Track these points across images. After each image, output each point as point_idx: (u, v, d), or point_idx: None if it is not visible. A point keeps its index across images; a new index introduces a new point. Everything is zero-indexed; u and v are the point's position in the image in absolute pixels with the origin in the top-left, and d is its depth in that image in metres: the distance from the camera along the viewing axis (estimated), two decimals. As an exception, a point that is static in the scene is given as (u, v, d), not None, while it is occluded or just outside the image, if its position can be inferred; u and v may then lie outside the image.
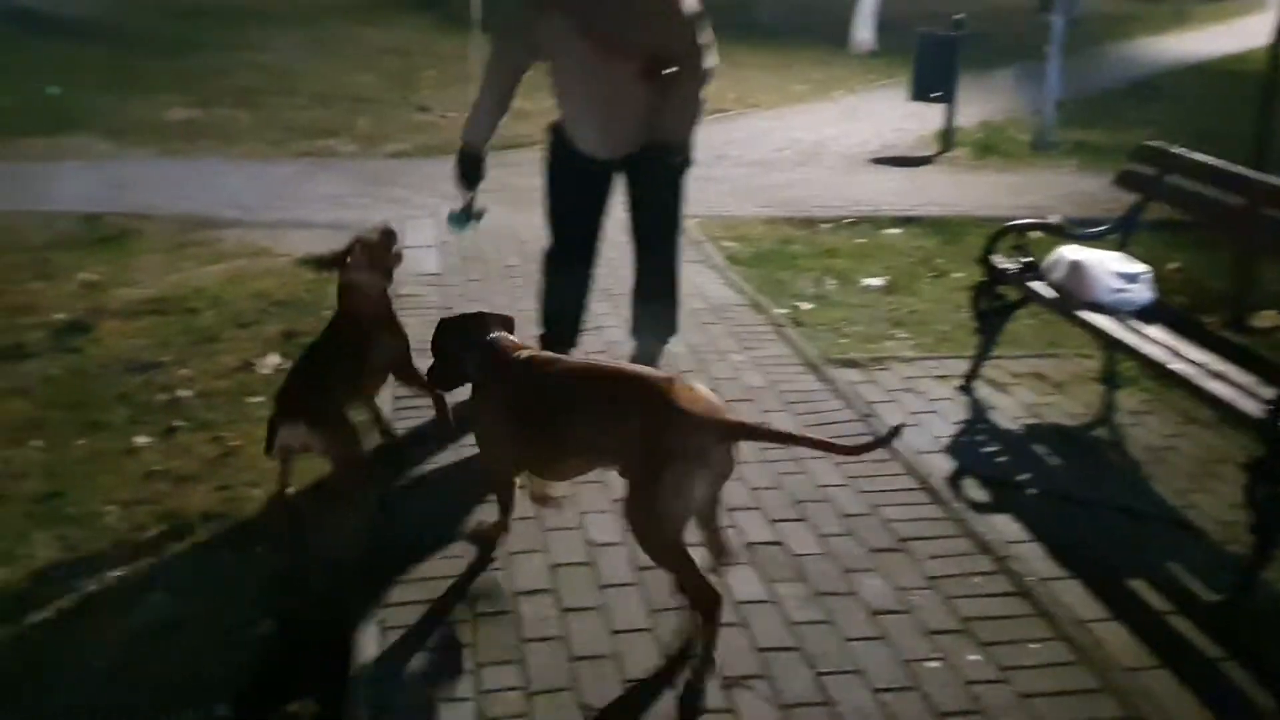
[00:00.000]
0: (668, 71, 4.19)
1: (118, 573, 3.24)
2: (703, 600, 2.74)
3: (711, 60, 4.26)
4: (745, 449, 3.89)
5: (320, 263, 3.90)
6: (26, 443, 4.02)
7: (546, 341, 4.48)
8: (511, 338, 3.19)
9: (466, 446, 3.90)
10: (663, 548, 2.74)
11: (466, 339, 3.18)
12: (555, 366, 3.08)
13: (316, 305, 5.42)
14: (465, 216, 4.58)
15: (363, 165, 9.00)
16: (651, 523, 2.72)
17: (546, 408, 2.96)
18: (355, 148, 9.72)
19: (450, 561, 3.25)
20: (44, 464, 3.87)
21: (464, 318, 3.30)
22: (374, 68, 14.74)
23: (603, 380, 2.99)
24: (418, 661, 2.82)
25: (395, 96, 12.43)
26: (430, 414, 3.88)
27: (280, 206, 7.46)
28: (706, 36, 4.22)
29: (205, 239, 6.62)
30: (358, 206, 7.44)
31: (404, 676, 2.77)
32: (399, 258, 3.95)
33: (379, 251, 3.82)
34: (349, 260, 3.73)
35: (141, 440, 4.07)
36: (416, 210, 7.40)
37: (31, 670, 2.85)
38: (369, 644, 2.87)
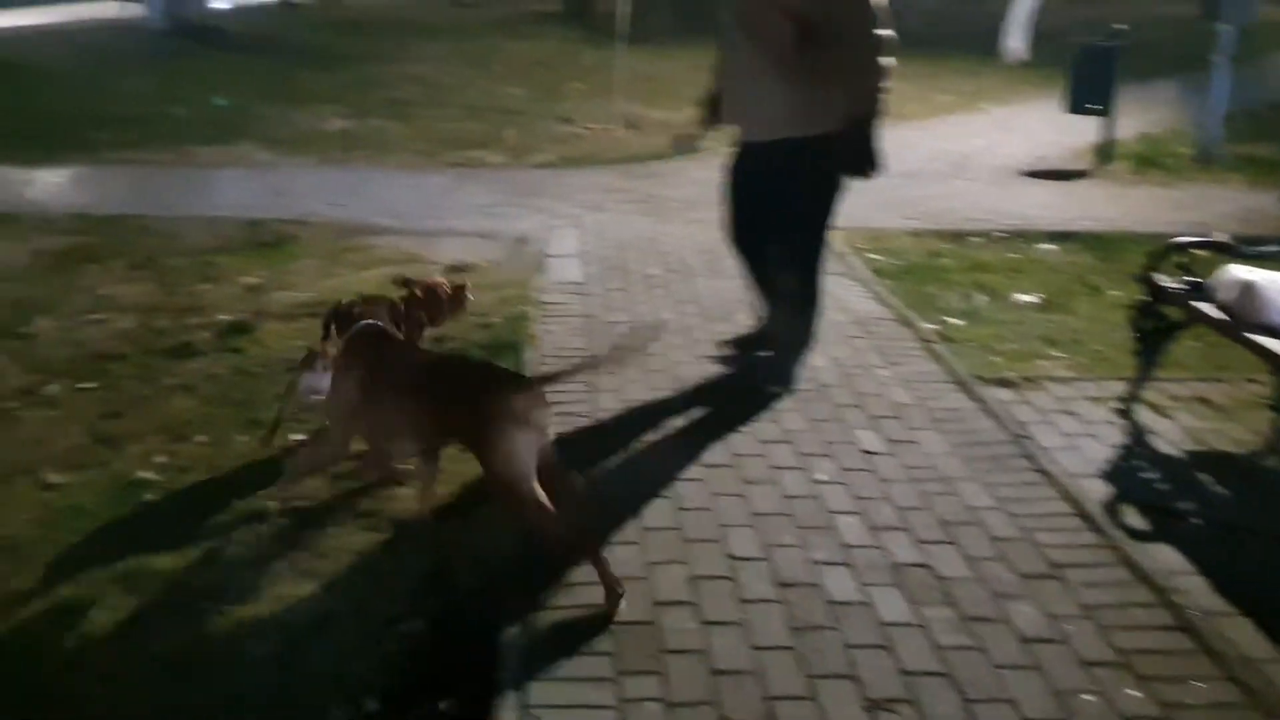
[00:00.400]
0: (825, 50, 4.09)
1: (275, 565, 3.35)
2: (574, 541, 3.08)
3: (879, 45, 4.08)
4: (888, 468, 3.86)
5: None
6: (192, 437, 4.20)
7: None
8: (379, 324, 3.49)
9: (616, 447, 3.95)
10: (519, 503, 2.99)
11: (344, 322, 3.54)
12: (410, 354, 3.44)
13: (464, 311, 5.53)
14: None
15: (510, 175, 9.16)
16: (502, 486, 3.01)
17: (399, 390, 3.28)
18: (503, 158, 9.90)
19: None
20: (208, 459, 4.03)
21: (350, 304, 3.60)
22: (522, 80, 15.01)
23: (448, 369, 3.41)
24: (561, 666, 2.85)
25: (541, 109, 12.62)
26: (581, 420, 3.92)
27: (431, 215, 7.65)
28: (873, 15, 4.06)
29: (360, 245, 6.82)
30: (504, 216, 7.57)
31: (547, 680, 2.79)
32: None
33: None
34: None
35: (297, 438, 4.20)
36: (560, 220, 7.49)
37: (195, 656, 2.97)
38: (514, 645, 2.91)
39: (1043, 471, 3.85)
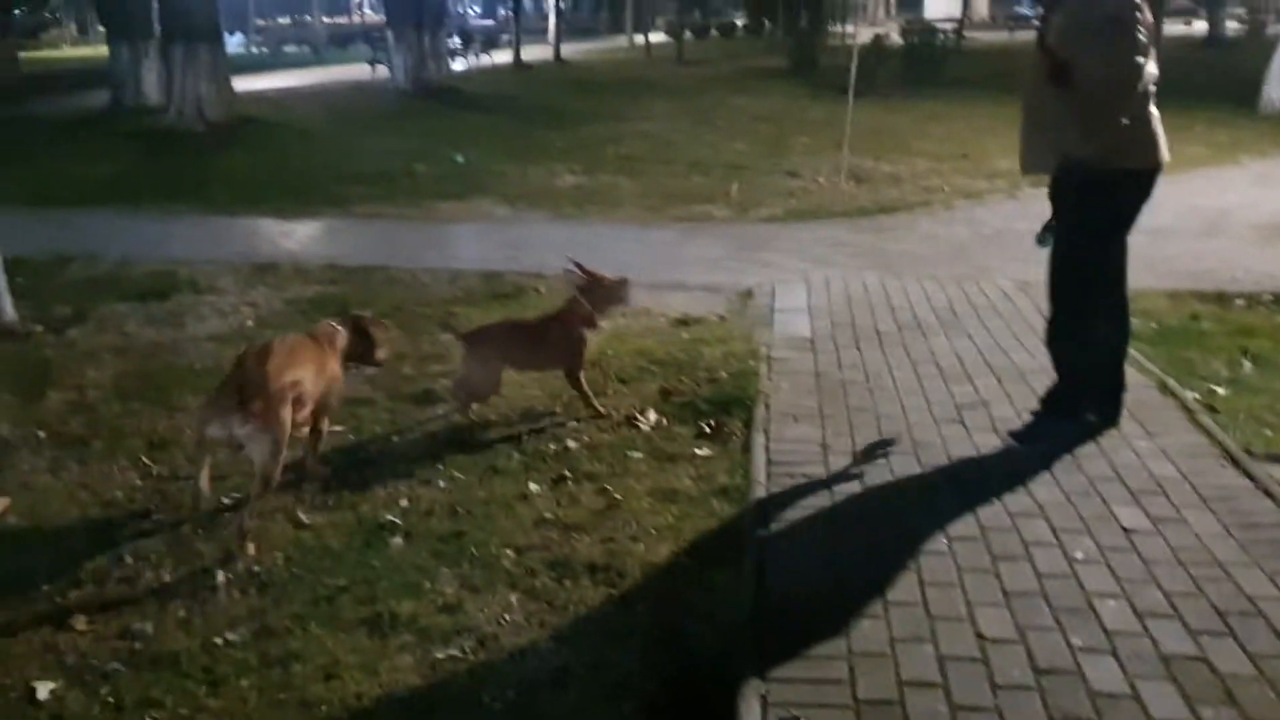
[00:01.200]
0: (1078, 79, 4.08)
1: (512, 616, 3.37)
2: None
3: (1125, 70, 4.01)
4: (1152, 548, 3.57)
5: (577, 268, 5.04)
6: (435, 483, 4.32)
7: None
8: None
9: (851, 512, 3.82)
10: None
11: None
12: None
13: (693, 365, 5.54)
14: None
15: (735, 229, 9.19)
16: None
17: None
18: (728, 213, 9.94)
19: (832, 631, 3.16)
20: (448, 504, 4.12)
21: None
22: (748, 135, 15.12)
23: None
24: (800, 741, 2.73)
25: (767, 163, 12.66)
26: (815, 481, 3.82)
27: (659, 269, 7.72)
28: (1125, 43, 4.00)
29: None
30: (730, 270, 7.57)
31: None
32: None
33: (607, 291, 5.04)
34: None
35: (534, 488, 4.26)
36: (787, 274, 7.42)
37: (436, 702, 3.01)
38: (750, 716, 2.81)
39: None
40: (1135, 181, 4.26)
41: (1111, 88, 4.02)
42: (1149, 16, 4.04)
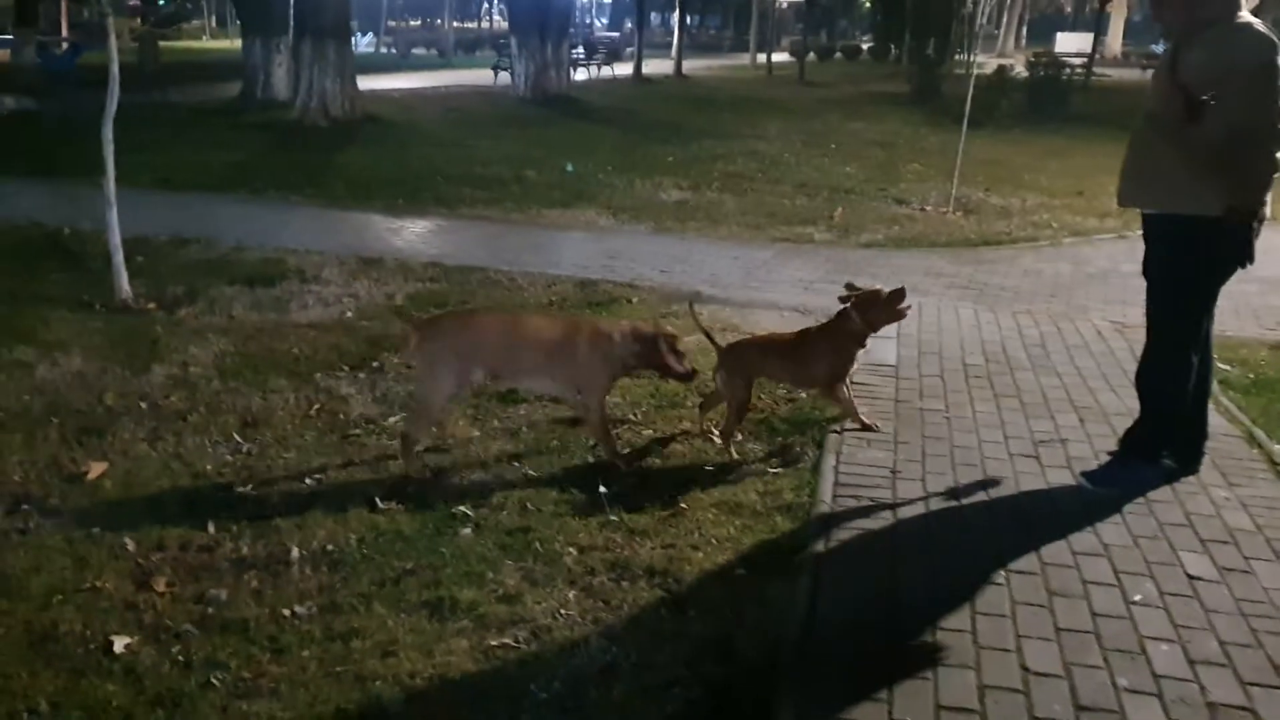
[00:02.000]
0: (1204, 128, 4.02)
1: (567, 611, 3.47)
2: None
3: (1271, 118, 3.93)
4: (1215, 597, 3.51)
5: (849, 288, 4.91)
6: (509, 479, 4.44)
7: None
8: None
9: (915, 539, 3.84)
10: None
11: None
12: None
13: (771, 383, 5.56)
14: None
15: (835, 253, 9.18)
16: None
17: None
18: (830, 236, 9.94)
19: (878, 652, 3.19)
20: (520, 501, 4.24)
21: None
22: (859, 159, 15.08)
23: None
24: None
25: (875, 188, 12.61)
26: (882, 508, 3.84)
27: (753, 287, 7.77)
28: (1272, 91, 3.92)
29: (682, 311, 7.00)
30: (823, 292, 7.57)
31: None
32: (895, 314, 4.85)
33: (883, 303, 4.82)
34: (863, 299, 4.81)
35: (604, 490, 4.35)
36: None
37: (487, 687, 3.11)
38: (786, 727, 2.85)
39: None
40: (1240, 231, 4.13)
41: (1258, 135, 3.93)
42: None
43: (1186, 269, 4.21)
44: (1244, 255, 4.13)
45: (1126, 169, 4.40)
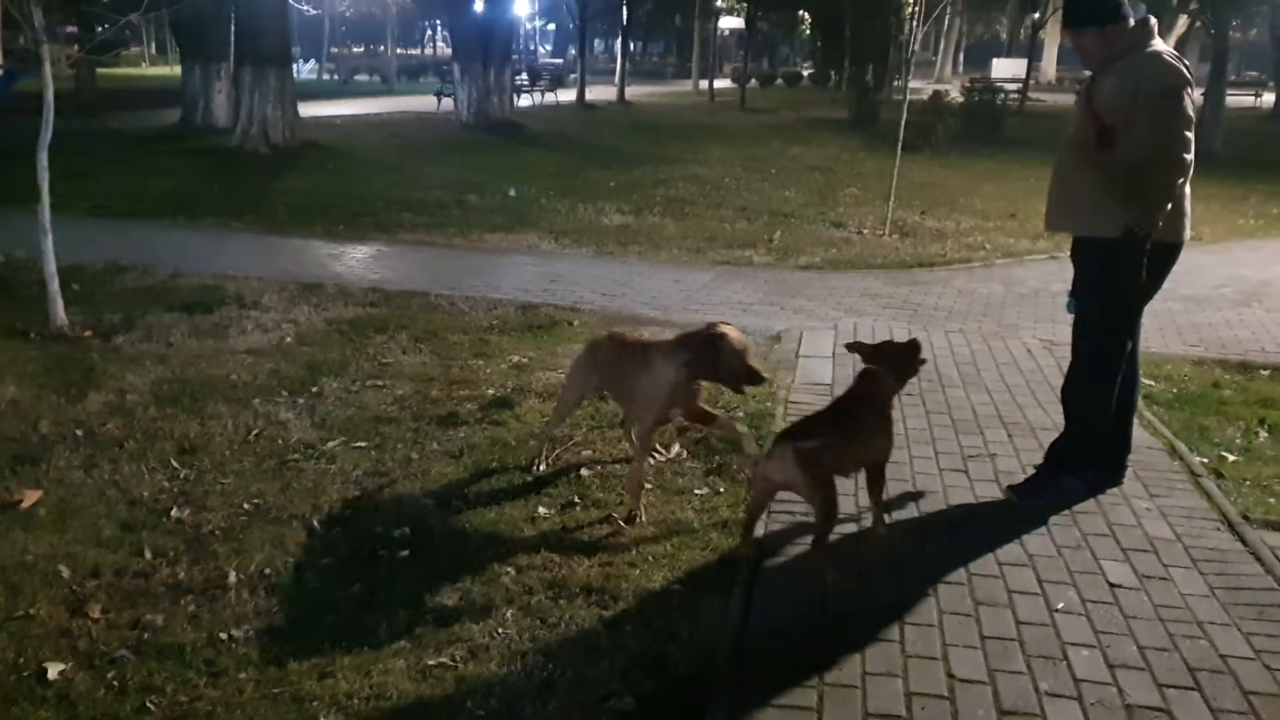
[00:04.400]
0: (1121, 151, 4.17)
1: (504, 630, 3.50)
2: None
3: (1175, 144, 4.08)
4: (1134, 604, 3.62)
5: (858, 348, 4.26)
6: (449, 501, 4.47)
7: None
8: None
9: (844, 553, 3.92)
10: None
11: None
12: None
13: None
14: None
15: (774, 275, 9.31)
16: None
17: None
18: (769, 259, 10.08)
19: (808, 662, 3.26)
20: (458, 522, 4.27)
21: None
22: (798, 184, 15.28)
23: None
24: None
25: (813, 212, 12.79)
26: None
27: (693, 309, 7.86)
28: (1178, 118, 4.08)
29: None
30: (762, 314, 7.69)
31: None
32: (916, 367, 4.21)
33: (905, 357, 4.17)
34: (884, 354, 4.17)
35: (542, 511, 4.39)
36: (816, 321, 7.53)
37: (422, 708, 3.12)
38: (717, 737, 2.91)
39: (1307, 624, 3.53)
40: (1160, 255, 4.26)
41: (1159, 160, 4.08)
42: (1196, 95, 4.14)
43: (1106, 289, 4.33)
44: (1141, 276, 4.22)
45: (1051, 194, 4.56)
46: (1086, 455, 4.64)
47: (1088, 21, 4.32)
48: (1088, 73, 4.59)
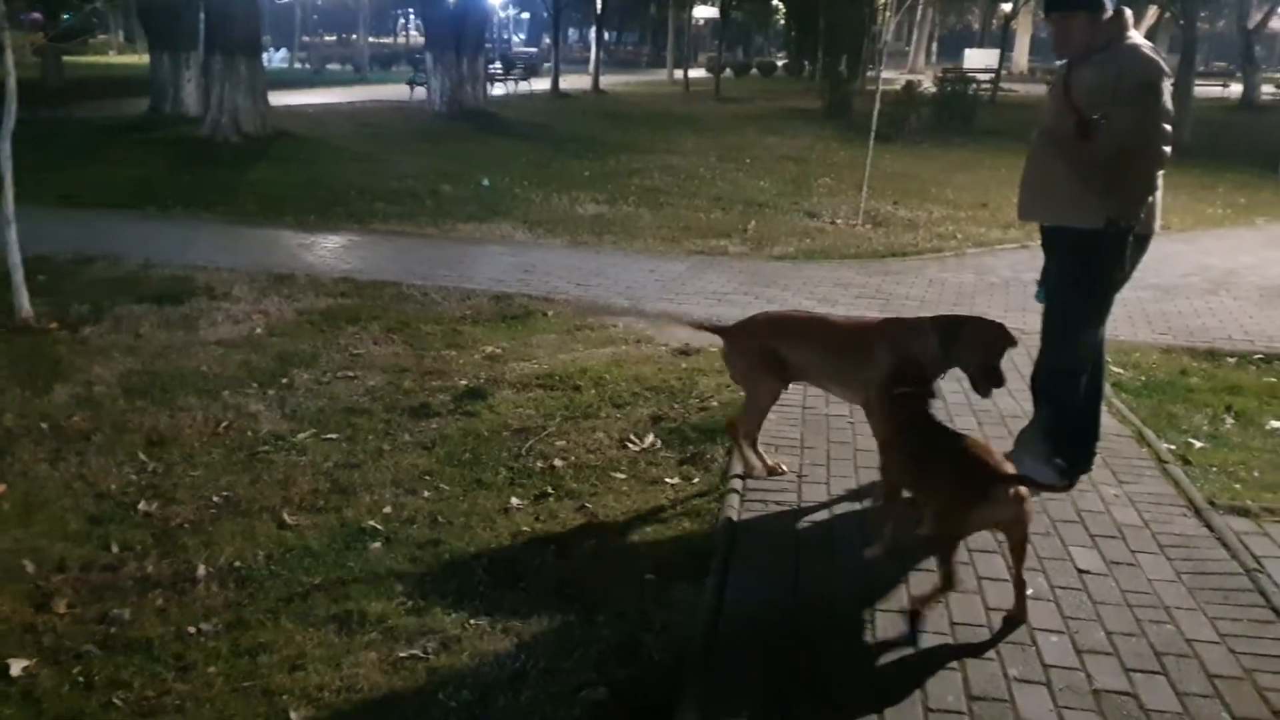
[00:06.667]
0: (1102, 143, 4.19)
1: (477, 621, 3.49)
2: None
3: (1155, 136, 4.12)
4: (1103, 589, 3.66)
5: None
6: (421, 493, 4.45)
7: None
8: None
9: (816, 542, 3.93)
10: None
11: None
12: None
13: (686, 393, 5.65)
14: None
15: (748, 265, 9.31)
16: None
17: None
18: (743, 249, 10.08)
19: (780, 651, 3.27)
20: (431, 514, 4.26)
21: None
22: (772, 174, 15.29)
23: None
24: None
25: (788, 202, 12.80)
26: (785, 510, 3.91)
27: (667, 299, 7.86)
28: (1157, 110, 4.11)
29: (597, 324, 7.09)
30: (736, 304, 7.69)
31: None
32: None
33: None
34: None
35: (515, 502, 4.38)
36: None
37: (395, 697, 3.12)
38: (690, 725, 2.91)
39: (1275, 609, 3.56)
40: (1135, 245, 4.33)
41: (1140, 152, 4.11)
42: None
43: (1081, 279, 4.39)
44: (1121, 267, 4.32)
45: (1024, 183, 4.59)
46: (1055, 443, 4.67)
47: (1078, 5, 4.32)
48: (1060, 63, 4.61)
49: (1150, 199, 4.24)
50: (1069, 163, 4.32)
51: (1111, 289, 4.45)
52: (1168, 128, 4.13)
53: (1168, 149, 4.15)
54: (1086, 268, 4.35)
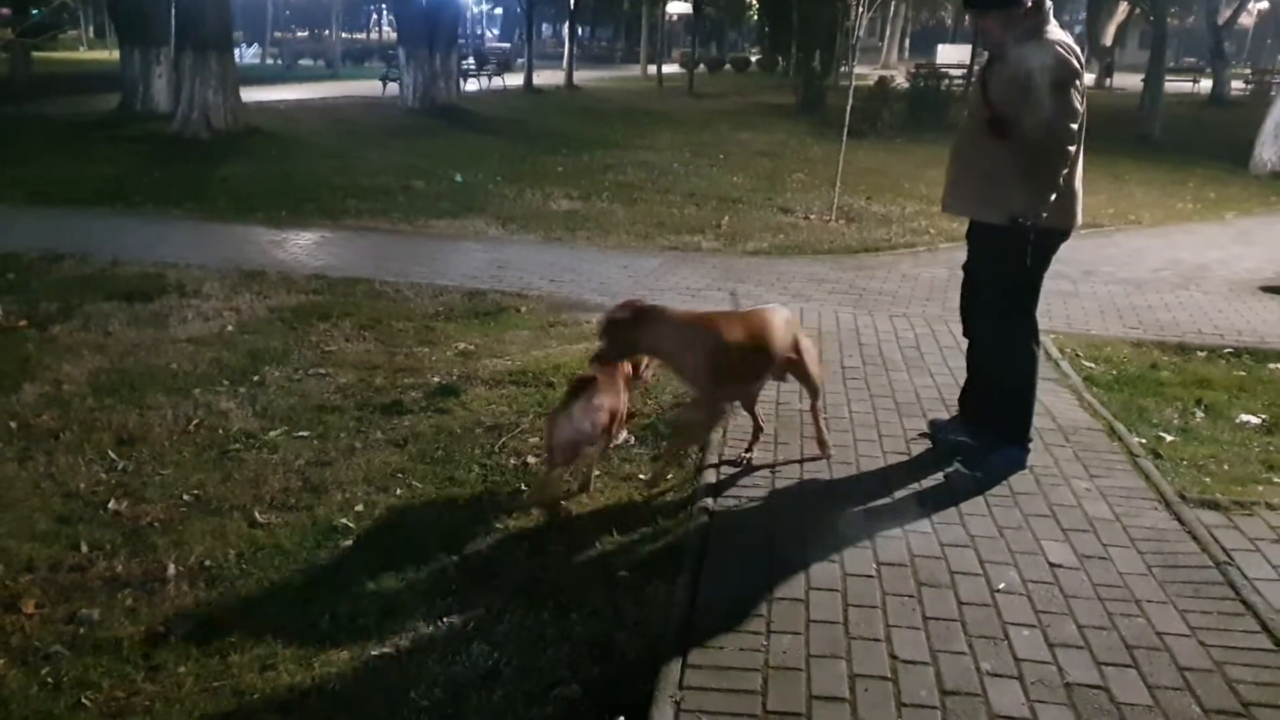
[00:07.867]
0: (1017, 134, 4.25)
1: (450, 619, 3.48)
2: None
3: (1062, 133, 4.18)
4: (1074, 583, 3.68)
5: None
6: (393, 490, 4.43)
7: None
8: None
9: (790, 536, 3.93)
10: None
11: None
12: None
13: (659, 389, 5.64)
14: None
15: (721, 261, 9.31)
16: None
17: None
18: (717, 244, 10.07)
19: (753, 645, 3.28)
20: (402, 511, 4.24)
21: None
22: (747, 169, 15.29)
23: None
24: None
25: (761, 197, 12.80)
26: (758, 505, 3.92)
27: (640, 295, 7.81)
28: (1064, 108, 4.17)
29: (570, 320, 7.06)
30: (709, 299, 7.68)
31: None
32: None
33: None
34: None
35: (488, 499, 4.36)
36: (762, 306, 7.53)
37: (366, 697, 3.11)
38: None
39: (1244, 602, 3.59)
40: (1050, 240, 4.43)
41: (1046, 151, 4.18)
42: (1088, 81, 4.22)
43: (998, 269, 4.50)
44: (1027, 260, 4.35)
45: (948, 176, 4.70)
46: (1025, 425, 4.71)
47: (990, 5, 4.40)
48: (985, 54, 4.68)
49: (1064, 195, 4.30)
50: (984, 157, 4.43)
51: (1029, 279, 4.52)
52: (1074, 128, 4.19)
53: (1073, 149, 4.23)
54: (998, 261, 4.47)
